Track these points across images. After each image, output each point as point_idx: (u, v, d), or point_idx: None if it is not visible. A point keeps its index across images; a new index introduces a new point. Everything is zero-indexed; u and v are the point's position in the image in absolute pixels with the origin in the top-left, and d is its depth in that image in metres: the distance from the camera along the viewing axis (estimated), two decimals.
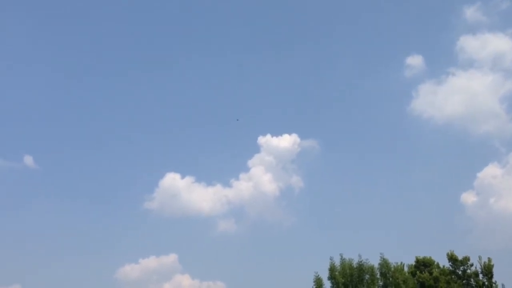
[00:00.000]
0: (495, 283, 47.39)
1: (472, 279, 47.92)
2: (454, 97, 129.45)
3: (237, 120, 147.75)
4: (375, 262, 44.59)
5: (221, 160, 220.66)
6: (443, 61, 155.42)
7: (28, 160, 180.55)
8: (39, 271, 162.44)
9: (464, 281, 47.93)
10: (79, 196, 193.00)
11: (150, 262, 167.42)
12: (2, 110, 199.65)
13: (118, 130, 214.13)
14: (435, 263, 49.77)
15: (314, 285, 44.51)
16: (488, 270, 47.61)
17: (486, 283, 47.19)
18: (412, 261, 50.77)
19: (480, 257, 48.18)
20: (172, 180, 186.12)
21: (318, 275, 44.77)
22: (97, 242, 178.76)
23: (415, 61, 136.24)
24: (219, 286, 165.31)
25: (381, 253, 44.80)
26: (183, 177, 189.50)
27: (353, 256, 44.92)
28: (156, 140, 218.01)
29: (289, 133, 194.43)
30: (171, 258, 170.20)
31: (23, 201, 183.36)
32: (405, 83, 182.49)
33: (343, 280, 43.43)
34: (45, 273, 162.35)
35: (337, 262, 45.06)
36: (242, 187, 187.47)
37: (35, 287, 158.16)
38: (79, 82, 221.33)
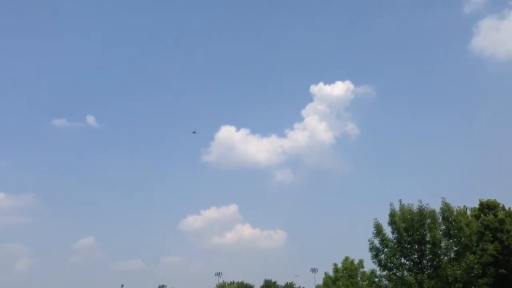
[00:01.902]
0: None
1: None
2: None
3: (194, 132, 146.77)
4: (436, 207, 43.99)
5: (275, 111, 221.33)
6: None
7: (91, 119, 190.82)
8: (110, 224, 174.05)
9: None
10: (140, 152, 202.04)
11: (211, 213, 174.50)
12: (64, 76, 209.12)
13: (174, 86, 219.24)
14: (500, 205, 48.25)
15: (374, 230, 44.63)
16: None
17: None
18: (476, 205, 49.53)
19: None
20: (228, 133, 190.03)
21: (378, 221, 44.79)
22: (160, 196, 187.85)
23: None
24: (280, 235, 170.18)
25: (442, 198, 43.99)
26: (238, 129, 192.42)
27: (413, 202, 44.68)
28: (210, 95, 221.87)
29: (342, 80, 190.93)
30: (231, 208, 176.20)
31: (89, 158, 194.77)
32: (465, 20, 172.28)
33: (404, 225, 43.20)
34: (115, 226, 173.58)
35: (397, 208, 44.98)
36: (297, 137, 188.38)
37: (107, 238, 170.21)
38: (135, 45, 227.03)
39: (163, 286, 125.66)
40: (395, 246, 43.29)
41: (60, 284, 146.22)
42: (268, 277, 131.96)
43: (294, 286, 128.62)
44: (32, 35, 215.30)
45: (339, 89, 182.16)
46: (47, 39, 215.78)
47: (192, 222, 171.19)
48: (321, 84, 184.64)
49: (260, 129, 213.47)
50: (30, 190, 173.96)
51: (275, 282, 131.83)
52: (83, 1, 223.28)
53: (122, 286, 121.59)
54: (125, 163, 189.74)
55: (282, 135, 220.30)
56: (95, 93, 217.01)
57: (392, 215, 44.49)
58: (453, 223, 42.67)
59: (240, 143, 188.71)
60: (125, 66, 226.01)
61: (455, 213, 43.43)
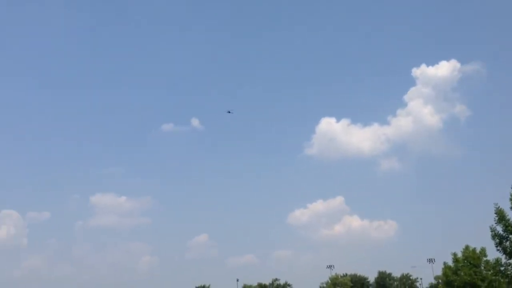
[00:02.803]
0: None
1: None
2: None
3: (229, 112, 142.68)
4: None
5: (374, 98, 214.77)
6: None
7: (195, 122, 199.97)
8: (222, 221, 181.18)
9: None
10: (243, 150, 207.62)
11: (318, 206, 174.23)
12: (170, 82, 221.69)
13: (272, 83, 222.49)
14: None
15: (496, 217, 41.86)
16: None
17: None
18: None
19: None
20: (328, 125, 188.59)
21: (499, 207, 41.92)
22: (267, 191, 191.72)
23: None
24: (391, 225, 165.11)
25: None
26: (338, 120, 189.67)
27: None
28: (308, 89, 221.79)
29: (447, 59, 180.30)
30: (338, 200, 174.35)
31: (197, 159, 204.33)
32: None
33: None
34: (226, 223, 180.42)
35: None
36: (401, 123, 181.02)
37: (219, 235, 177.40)
38: (226, 46, 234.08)
39: (276, 279, 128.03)
40: None
41: (178, 279, 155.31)
42: (381, 269, 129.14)
43: (411, 277, 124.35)
44: (136, 49, 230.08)
45: (444, 69, 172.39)
46: (153, 57, 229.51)
47: (300, 215, 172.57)
48: (423, 66, 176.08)
49: (361, 118, 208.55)
50: (146, 193, 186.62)
51: (389, 274, 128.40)
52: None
53: (237, 280, 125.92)
54: (230, 162, 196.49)
55: (384, 122, 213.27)
56: (197, 97, 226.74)
57: None
58: None
59: (342, 134, 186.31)
60: (225, 71, 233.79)
61: None
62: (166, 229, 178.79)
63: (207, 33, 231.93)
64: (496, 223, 41.84)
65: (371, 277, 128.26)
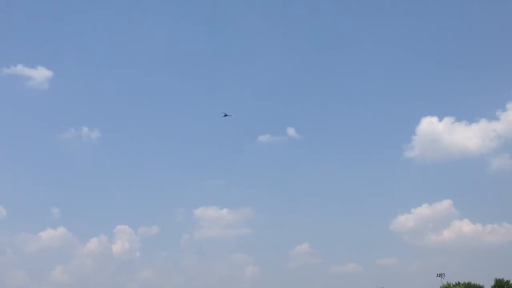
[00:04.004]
0: None
1: None
2: None
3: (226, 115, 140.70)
4: None
5: (480, 93, 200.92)
6: None
7: (291, 131, 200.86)
8: (323, 230, 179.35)
9: None
10: (341, 157, 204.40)
11: (423, 211, 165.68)
12: (263, 93, 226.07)
13: (363, 89, 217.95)
14: None
15: None
16: None
17: None
18: None
19: None
20: (430, 125, 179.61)
21: None
22: (367, 198, 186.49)
23: None
24: (507, 228, 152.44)
25: None
26: (440, 119, 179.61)
27: None
28: (410, 87, 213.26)
29: None
30: (445, 204, 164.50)
31: (293, 168, 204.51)
32: None
33: None
34: (327, 231, 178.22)
35: None
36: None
37: (320, 244, 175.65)
38: (317, 54, 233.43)
39: None
40: None
41: None
42: (499, 276, 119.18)
43: None
44: (230, 61, 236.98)
45: None
46: (246, 69, 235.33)
47: (404, 221, 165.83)
48: None
49: (466, 115, 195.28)
50: (246, 204, 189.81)
51: (508, 281, 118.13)
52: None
53: None
54: (328, 169, 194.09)
55: (493, 117, 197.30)
56: (292, 106, 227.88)
57: None
58: None
59: (445, 133, 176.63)
60: (317, 78, 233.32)
61: None
62: (267, 239, 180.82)
63: (299, 42, 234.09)
64: None
65: (487, 286, 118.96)
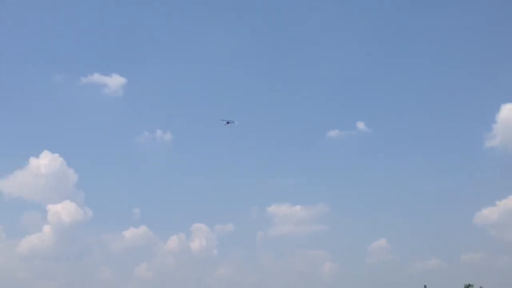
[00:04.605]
0: None
1: None
2: None
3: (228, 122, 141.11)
4: None
5: None
6: None
7: (360, 125, 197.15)
8: (400, 225, 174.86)
9: None
10: (417, 150, 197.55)
11: (510, 202, 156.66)
12: (330, 87, 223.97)
13: (434, 78, 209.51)
14: None
15: None
16: None
17: None
18: None
19: None
20: (511, 111, 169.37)
21: None
22: (446, 191, 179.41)
23: None
24: None
25: None
26: None
27: None
28: (487, 74, 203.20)
29: None
30: None
31: (364, 163, 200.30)
32: None
33: None
34: (405, 227, 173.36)
35: None
36: None
37: (398, 239, 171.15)
38: (382, 46, 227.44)
39: (469, 285, 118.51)
40: None
41: (363, 285, 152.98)
42: None
43: None
44: (293, 55, 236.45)
45: None
46: (310, 62, 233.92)
47: (489, 214, 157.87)
48: None
49: None
50: (319, 200, 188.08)
51: None
52: None
53: (425, 286, 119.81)
54: (402, 163, 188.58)
55: None
56: (361, 100, 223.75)
57: None
58: None
59: None
60: (385, 69, 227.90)
61: None
62: (342, 235, 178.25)
63: (368, 33, 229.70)
64: None
65: None
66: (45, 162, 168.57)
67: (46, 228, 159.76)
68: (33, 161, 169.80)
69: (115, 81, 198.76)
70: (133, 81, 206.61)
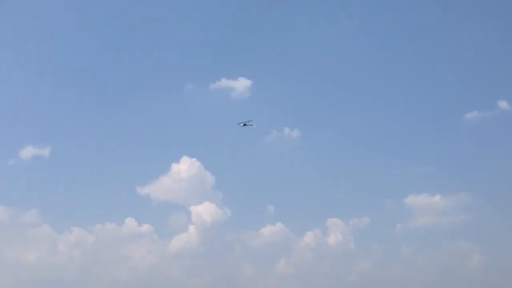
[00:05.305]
0: None
1: None
2: None
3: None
4: None
5: None
6: None
7: (503, 104, 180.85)
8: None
9: None
10: None
11: None
12: (463, 67, 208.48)
13: None
14: None
15: None
16: None
17: None
18: None
19: None
20: None
21: None
22: None
23: None
24: None
25: None
26: None
27: None
28: None
29: None
30: None
31: (509, 146, 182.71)
32: None
33: None
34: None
35: None
36: None
37: None
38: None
39: None
40: None
41: None
42: None
43: None
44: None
45: None
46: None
47: None
48: None
49: None
50: (460, 188, 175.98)
51: None
52: None
53: None
54: None
55: None
56: (502, 74, 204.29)
57: None
58: None
59: None
60: None
61: None
62: (490, 226, 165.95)
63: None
64: None
65: None
66: (185, 167, 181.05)
67: (191, 228, 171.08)
68: (174, 167, 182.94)
69: (242, 84, 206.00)
70: (258, 82, 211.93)
